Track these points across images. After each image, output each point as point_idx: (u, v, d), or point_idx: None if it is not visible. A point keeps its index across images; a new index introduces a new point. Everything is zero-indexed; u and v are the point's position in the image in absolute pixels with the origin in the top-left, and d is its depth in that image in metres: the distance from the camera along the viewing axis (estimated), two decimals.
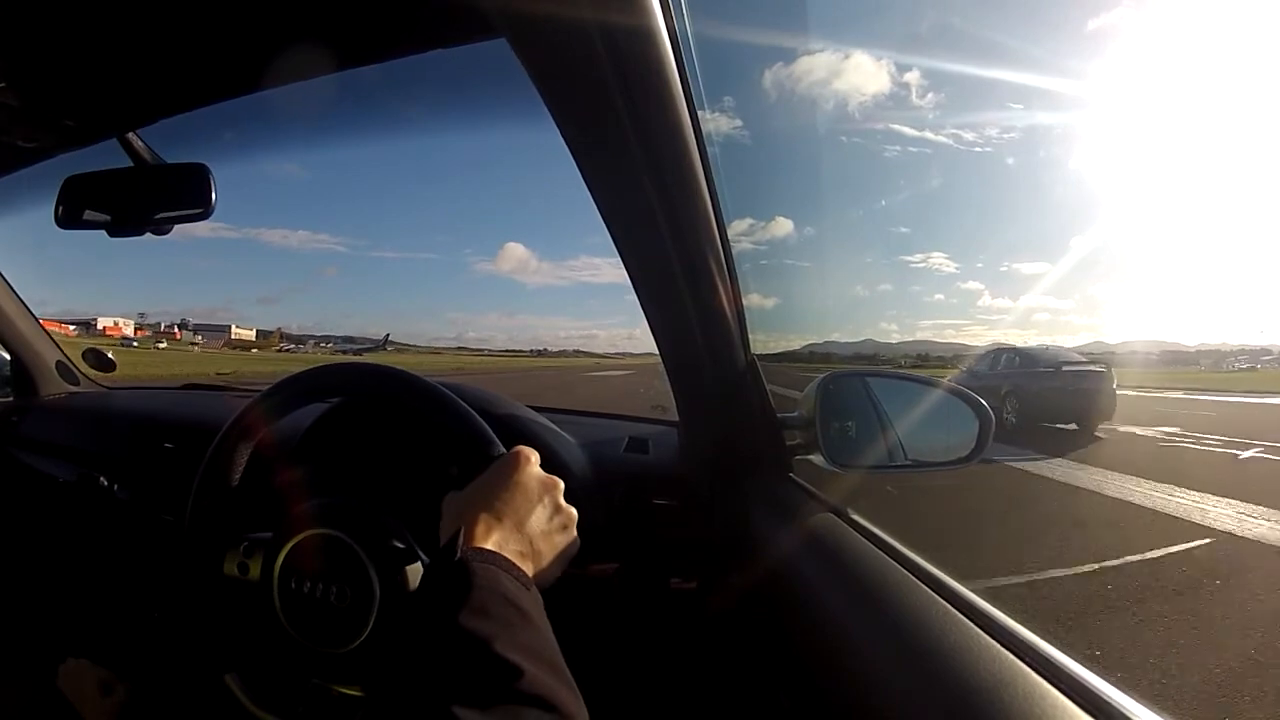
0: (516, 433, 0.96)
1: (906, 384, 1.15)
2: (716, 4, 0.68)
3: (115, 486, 1.31)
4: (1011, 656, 0.46)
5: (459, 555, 0.52)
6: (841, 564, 0.72)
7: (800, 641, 0.71)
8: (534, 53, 0.58)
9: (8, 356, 1.71)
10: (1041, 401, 9.25)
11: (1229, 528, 4.16)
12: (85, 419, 1.65)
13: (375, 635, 0.69)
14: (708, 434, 1.06)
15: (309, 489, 0.82)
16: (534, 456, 0.68)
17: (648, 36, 0.56)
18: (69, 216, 1.03)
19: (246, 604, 0.75)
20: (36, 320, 1.76)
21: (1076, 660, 0.45)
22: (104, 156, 1.01)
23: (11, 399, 1.71)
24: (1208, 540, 3.85)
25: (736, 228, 0.85)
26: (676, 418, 1.15)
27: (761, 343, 0.98)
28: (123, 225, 1.03)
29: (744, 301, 0.92)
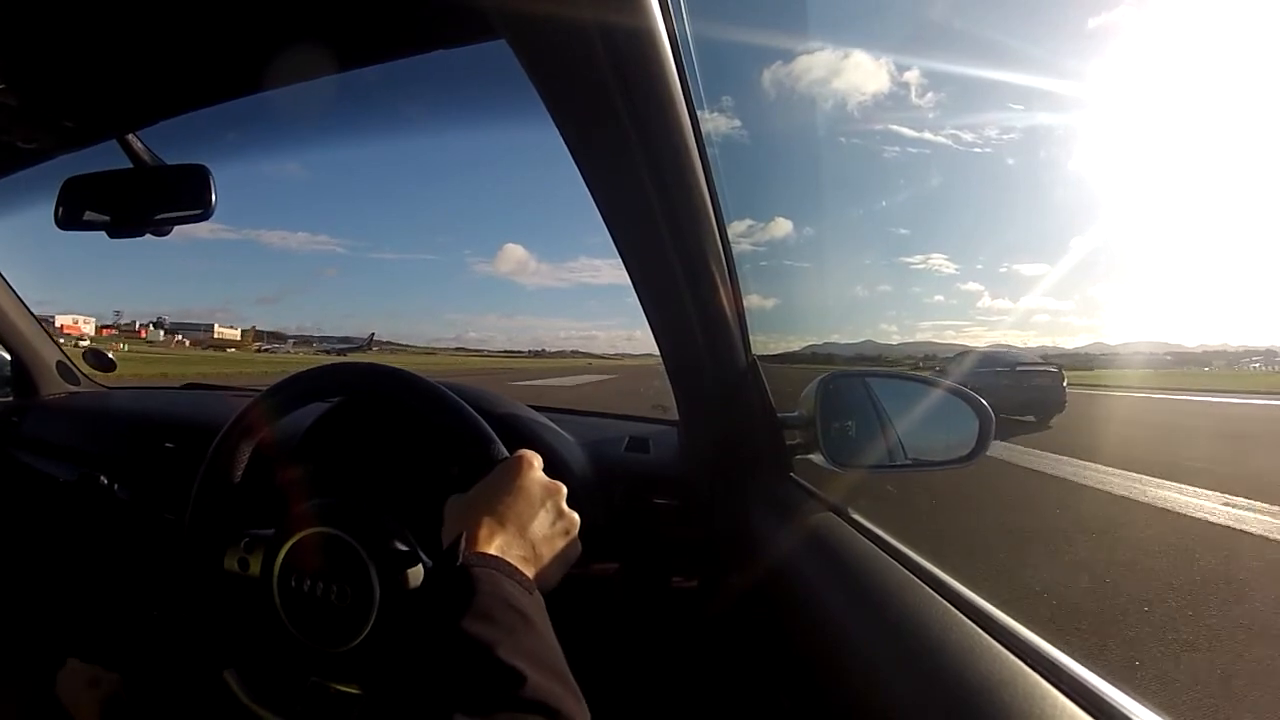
0: (517, 433, 0.96)
1: (906, 384, 1.15)
2: (716, 5, 0.68)
3: (116, 486, 1.32)
4: (1012, 656, 0.46)
5: (461, 560, 0.52)
6: (842, 563, 0.72)
7: (800, 641, 0.71)
8: (534, 54, 0.58)
9: (8, 356, 1.71)
10: (1001, 397, 10.12)
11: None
12: (85, 419, 1.65)
13: (375, 635, 0.69)
14: (708, 434, 1.07)
15: (310, 488, 0.82)
16: (537, 461, 0.68)
17: (647, 37, 0.56)
18: (69, 217, 1.03)
19: (246, 600, 0.75)
20: (36, 320, 1.76)
21: (1077, 660, 0.45)
22: (104, 158, 1.01)
23: (12, 399, 1.71)
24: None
25: (736, 228, 0.85)
26: (677, 417, 1.15)
27: (761, 343, 0.98)
28: (122, 226, 1.03)
29: (744, 302, 0.92)
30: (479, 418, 0.77)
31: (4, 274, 1.60)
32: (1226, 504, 4.85)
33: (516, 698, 0.42)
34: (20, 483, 1.50)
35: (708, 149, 0.72)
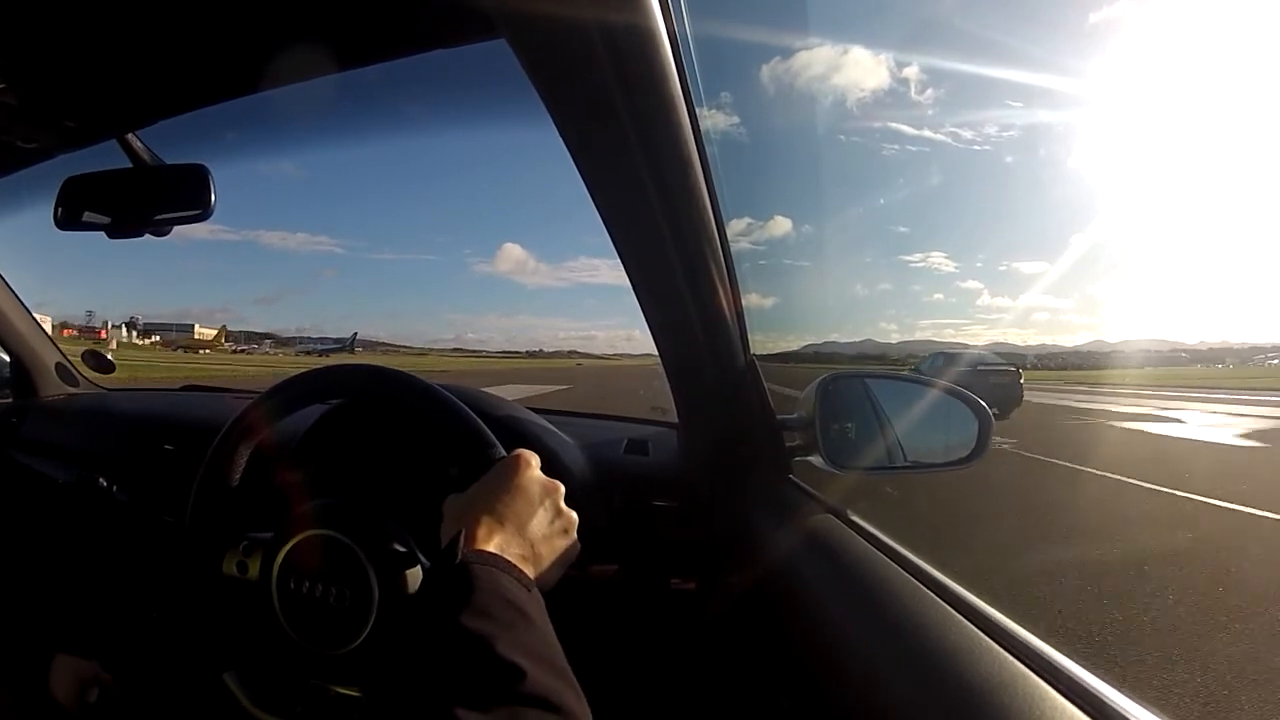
0: (516, 434, 0.96)
1: (906, 385, 1.15)
2: (716, 4, 0.68)
3: (115, 488, 1.31)
4: (1011, 658, 0.46)
5: (460, 557, 0.52)
6: (841, 565, 0.72)
7: (800, 642, 0.71)
8: (534, 53, 0.58)
9: (7, 358, 1.71)
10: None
11: None
12: (85, 420, 1.65)
13: (374, 637, 0.69)
14: (707, 435, 1.07)
15: (309, 490, 0.82)
16: (535, 460, 0.68)
17: (647, 36, 0.56)
18: (68, 217, 1.02)
19: (245, 603, 0.75)
20: (36, 322, 1.76)
21: (1076, 662, 0.45)
22: (103, 157, 1.00)
23: (11, 400, 1.71)
24: None
25: (735, 227, 0.85)
26: (676, 419, 1.15)
27: (760, 343, 0.98)
28: (122, 226, 1.03)
29: (743, 302, 0.92)
30: (478, 420, 0.77)
31: (3, 275, 1.60)
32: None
33: (516, 693, 0.42)
34: (19, 484, 1.50)
35: (707, 148, 0.72)
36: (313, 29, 0.75)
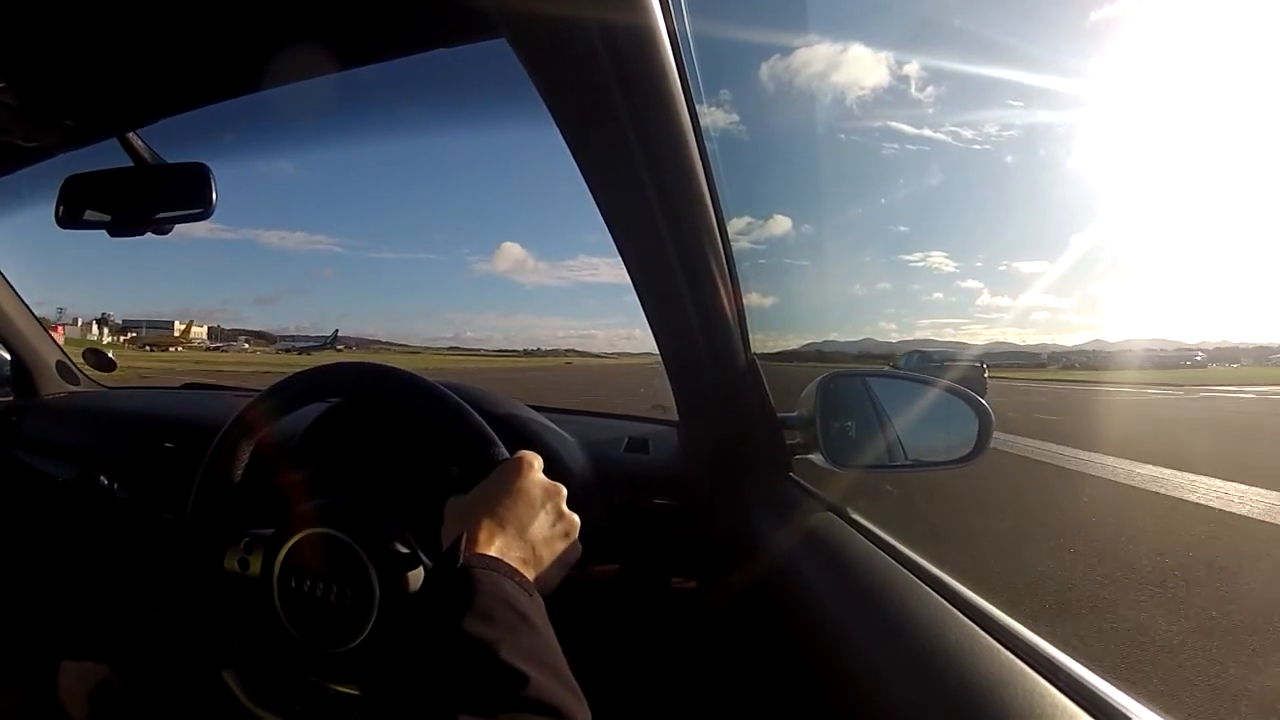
0: (516, 433, 0.96)
1: (906, 383, 1.14)
2: (716, 3, 0.68)
3: (115, 486, 1.31)
4: (1011, 656, 0.46)
5: (462, 561, 0.52)
6: (841, 563, 0.72)
7: (800, 641, 0.71)
8: (534, 53, 0.58)
9: (8, 356, 1.71)
10: None
11: None
12: (85, 419, 1.65)
13: (374, 636, 0.69)
14: (708, 434, 1.06)
15: (310, 488, 0.82)
16: (537, 462, 0.68)
17: (647, 36, 0.56)
18: (69, 216, 1.02)
19: (246, 600, 0.75)
20: (37, 320, 1.76)
21: (1077, 660, 0.45)
22: (104, 156, 1.00)
23: (12, 398, 1.71)
24: None
25: (735, 226, 0.85)
26: (676, 417, 1.15)
27: (760, 342, 0.98)
28: (123, 225, 1.03)
29: (743, 301, 0.92)
30: (480, 419, 0.77)
31: (4, 274, 1.60)
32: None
33: (519, 698, 0.42)
34: (20, 482, 1.50)
35: (708, 147, 0.72)
36: (313, 29, 0.75)
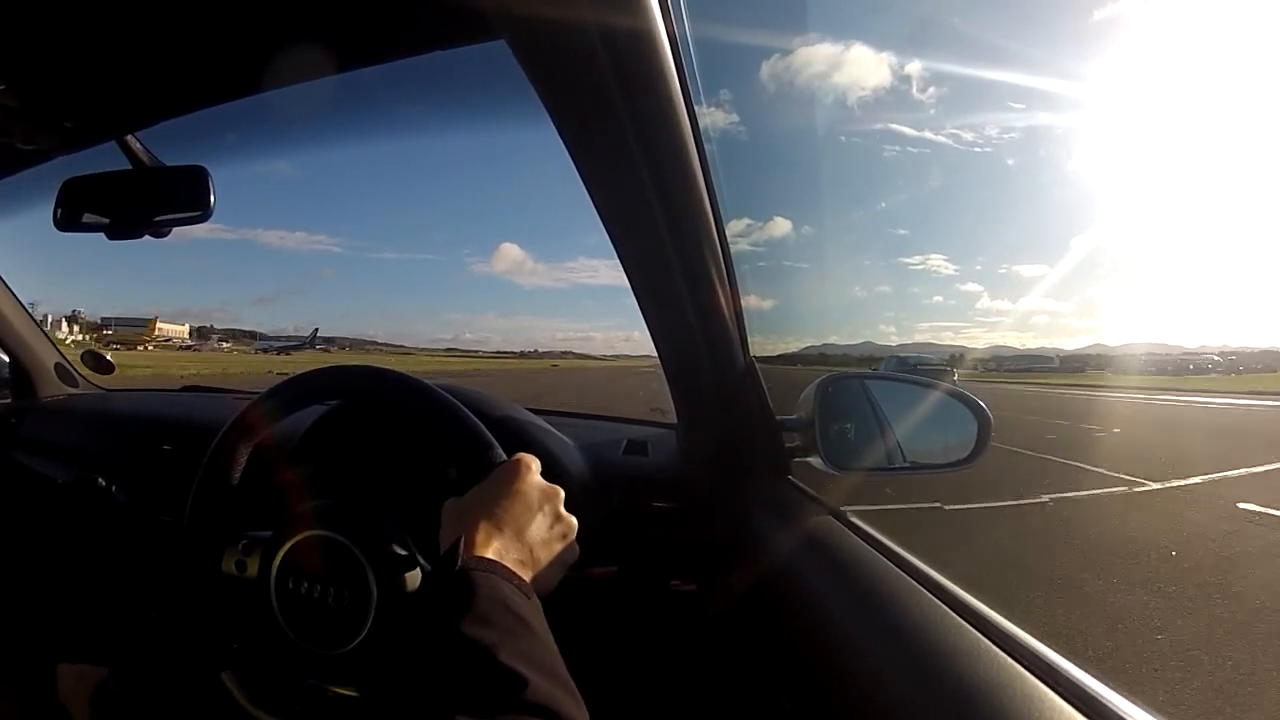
0: (514, 435, 0.96)
1: (905, 386, 1.15)
2: (716, 5, 0.69)
3: (114, 488, 1.31)
4: (1008, 659, 0.46)
5: (460, 563, 0.52)
6: (840, 566, 0.72)
7: (799, 643, 0.71)
8: (533, 54, 0.58)
9: (6, 359, 1.71)
10: None
11: None
12: (84, 421, 1.65)
13: (372, 638, 0.69)
14: (707, 436, 1.06)
15: (308, 490, 0.82)
16: (535, 464, 0.68)
17: (647, 38, 0.56)
18: (68, 219, 1.02)
19: (243, 602, 0.75)
20: (35, 322, 1.76)
21: (1074, 663, 0.45)
22: (102, 159, 1.00)
23: (10, 401, 1.71)
24: None
25: (735, 228, 0.85)
26: (675, 420, 1.15)
27: (759, 345, 0.98)
28: (121, 228, 1.02)
29: (742, 303, 0.92)
30: (477, 421, 0.77)
31: (2, 276, 1.60)
32: None
33: (518, 701, 0.42)
34: (18, 485, 1.50)
35: (707, 149, 0.72)
36: (313, 29, 0.75)
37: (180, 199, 1.01)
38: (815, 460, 0.95)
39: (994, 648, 0.48)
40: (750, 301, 0.94)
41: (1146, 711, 0.41)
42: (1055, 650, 0.46)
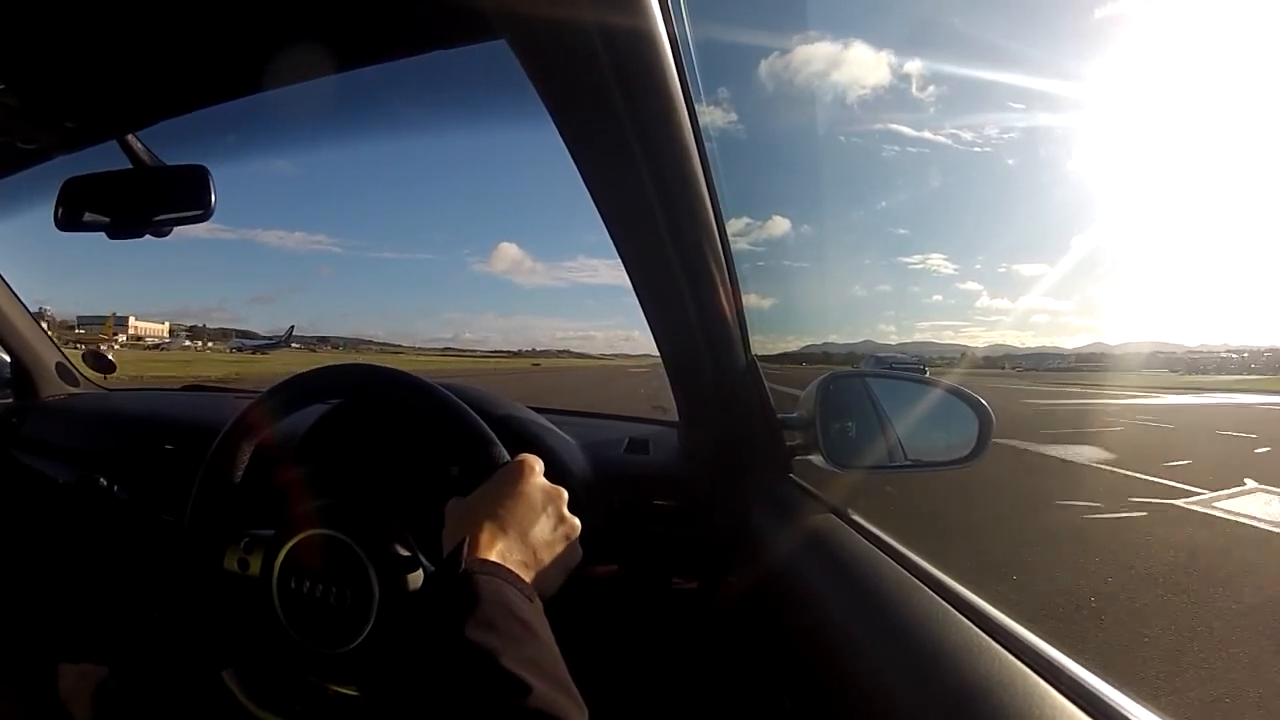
0: (516, 433, 0.96)
1: (906, 384, 1.15)
2: (716, 6, 0.68)
3: (115, 488, 1.31)
4: (1011, 657, 0.46)
5: (464, 566, 0.52)
6: (842, 564, 0.72)
7: (801, 641, 0.71)
8: (534, 54, 0.58)
9: (8, 358, 1.71)
10: None
11: None
12: (85, 420, 1.65)
13: (373, 637, 0.69)
14: (708, 434, 1.06)
15: (311, 489, 0.82)
16: (538, 466, 0.68)
17: (647, 38, 0.56)
18: (68, 219, 1.02)
19: (245, 600, 0.75)
20: (36, 322, 1.76)
21: (1077, 661, 0.45)
22: (103, 158, 1.00)
23: (11, 400, 1.71)
24: None
25: (735, 228, 0.85)
26: (676, 418, 1.15)
27: (760, 344, 0.98)
28: (122, 227, 1.02)
29: (743, 302, 0.92)
30: (479, 420, 0.77)
31: (3, 275, 1.60)
32: None
33: (521, 707, 0.42)
34: (20, 484, 1.50)
35: (707, 149, 0.72)
36: (313, 29, 0.75)
37: (181, 198, 1.01)
38: (816, 458, 0.95)
39: (996, 645, 0.48)
40: (751, 300, 0.94)
41: (1148, 709, 0.41)
42: (1058, 648, 0.46)
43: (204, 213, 0.99)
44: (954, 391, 1.01)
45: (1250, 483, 6.20)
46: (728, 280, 0.86)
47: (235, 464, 0.81)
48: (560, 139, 0.66)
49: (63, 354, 1.82)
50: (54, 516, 1.37)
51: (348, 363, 0.89)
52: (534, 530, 0.61)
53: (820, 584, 0.72)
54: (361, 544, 0.71)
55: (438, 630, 0.48)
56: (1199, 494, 5.66)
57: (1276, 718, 2.35)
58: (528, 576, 0.56)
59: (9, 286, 1.62)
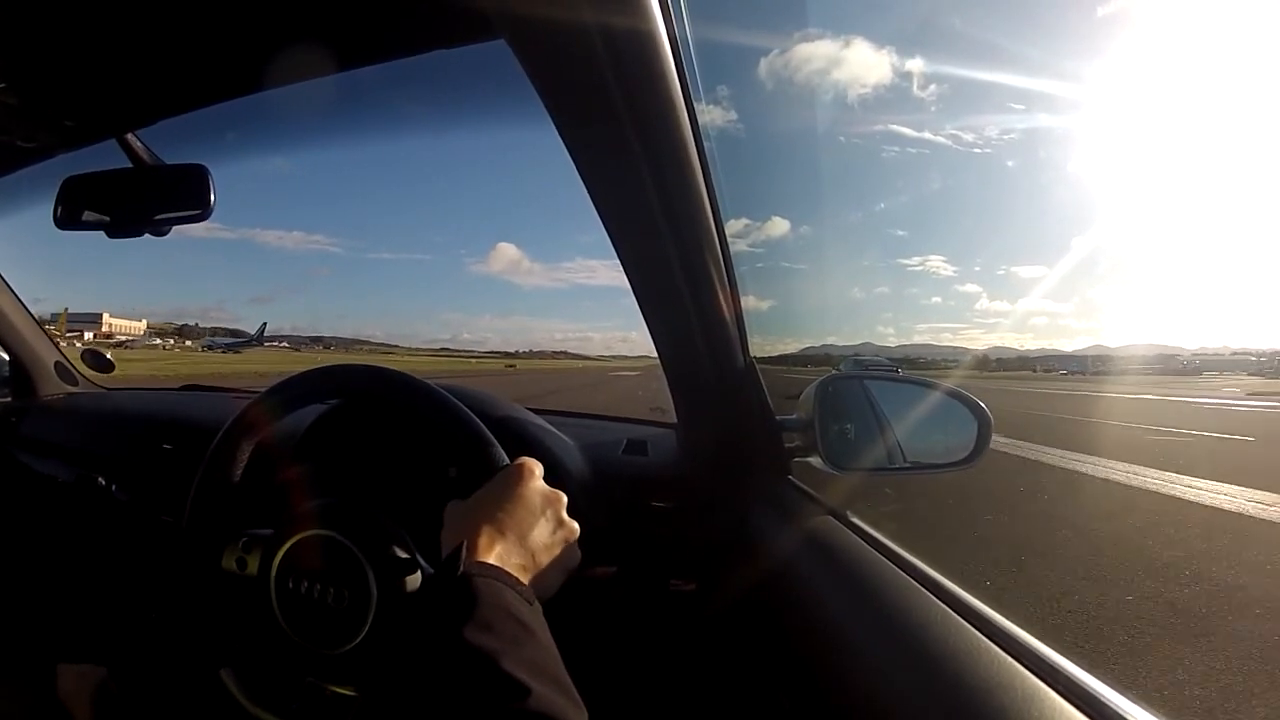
0: (514, 435, 0.96)
1: (905, 386, 1.15)
2: (716, 6, 0.69)
3: (114, 487, 1.31)
4: (1009, 658, 0.46)
5: (462, 569, 0.52)
6: (840, 565, 0.72)
7: (799, 643, 0.71)
8: (534, 54, 0.58)
9: (6, 357, 1.71)
10: None
11: None
12: (84, 420, 1.65)
13: (371, 638, 0.69)
14: (707, 436, 1.06)
15: (309, 489, 0.82)
16: (538, 469, 0.68)
17: (647, 38, 0.56)
18: (68, 217, 1.02)
19: (243, 600, 0.75)
20: (36, 321, 1.76)
21: (1074, 662, 0.45)
22: (103, 157, 1.00)
23: (10, 399, 1.71)
24: None
25: (734, 229, 0.85)
26: (675, 420, 1.15)
27: (759, 346, 0.98)
28: (121, 226, 1.02)
29: (742, 304, 0.92)
30: (478, 421, 0.77)
31: (3, 274, 1.60)
32: None
33: (520, 709, 0.42)
34: (18, 484, 1.50)
35: (707, 150, 0.72)
36: (313, 29, 0.75)
37: (180, 197, 1.01)
38: (815, 460, 0.95)
39: (994, 647, 0.48)
40: (750, 302, 0.94)
41: (1146, 710, 0.41)
42: (1055, 649, 0.46)
43: (203, 212, 0.99)
44: (952, 394, 1.00)
45: None
46: (726, 281, 0.86)
47: (234, 463, 0.81)
48: (559, 139, 0.67)
49: (61, 353, 1.81)
50: (53, 516, 1.37)
51: (348, 363, 0.89)
52: (533, 534, 0.61)
53: (819, 586, 0.72)
54: (360, 545, 0.70)
55: (437, 632, 0.48)
56: None
57: None
58: (526, 579, 0.56)
59: (8, 285, 1.62)
